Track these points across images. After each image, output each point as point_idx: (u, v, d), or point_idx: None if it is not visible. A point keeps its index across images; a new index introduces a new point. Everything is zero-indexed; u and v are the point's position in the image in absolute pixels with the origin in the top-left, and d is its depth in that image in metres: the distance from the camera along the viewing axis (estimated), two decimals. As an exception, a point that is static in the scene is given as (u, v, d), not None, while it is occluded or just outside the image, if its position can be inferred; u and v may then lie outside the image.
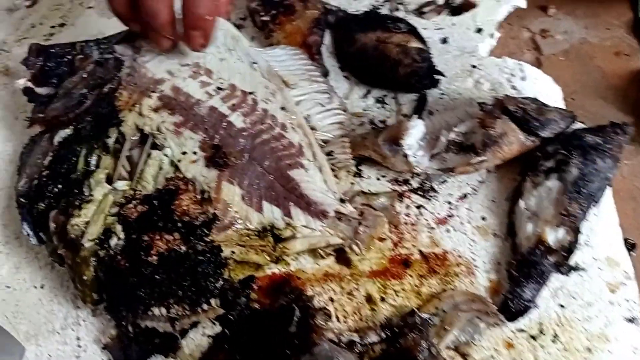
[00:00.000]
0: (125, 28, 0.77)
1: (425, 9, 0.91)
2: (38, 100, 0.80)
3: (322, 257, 0.74)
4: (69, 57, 0.82)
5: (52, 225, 0.71)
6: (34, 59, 0.81)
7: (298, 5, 0.90)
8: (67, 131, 0.76)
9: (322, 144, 0.77)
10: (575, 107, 0.85)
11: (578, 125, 0.77)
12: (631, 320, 0.67)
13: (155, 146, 0.73)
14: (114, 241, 0.69)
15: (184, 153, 0.73)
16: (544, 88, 0.83)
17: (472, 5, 0.90)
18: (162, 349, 0.70)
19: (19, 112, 0.89)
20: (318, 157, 0.75)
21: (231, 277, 0.72)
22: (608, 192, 0.73)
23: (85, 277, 0.68)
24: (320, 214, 0.72)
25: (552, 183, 0.71)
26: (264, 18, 0.90)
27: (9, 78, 0.92)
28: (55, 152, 0.75)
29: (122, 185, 0.72)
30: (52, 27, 1.00)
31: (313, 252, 0.74)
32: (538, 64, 0.91)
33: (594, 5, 0.98)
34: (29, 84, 0.80)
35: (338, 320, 0.70)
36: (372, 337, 0.68)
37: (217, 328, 0.71)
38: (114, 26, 0.86)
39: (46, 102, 0.79)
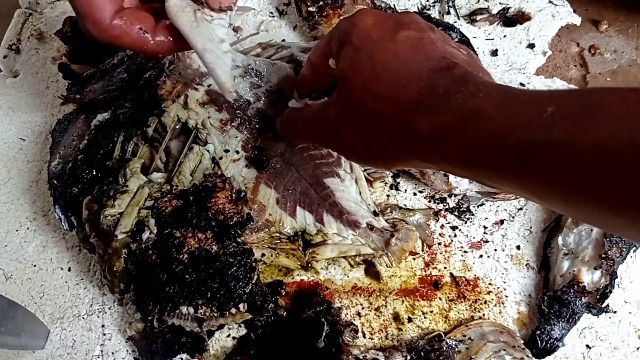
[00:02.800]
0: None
1: (478, 17, 0.87)
2: (74, 78, 0.77)
3: (352, 266, 0.74)
4: (109, 33, 0.79)
5: (85, 212, 0.70)
6: (70, 33, 0.78)
7: (347, -1, 0.86)
8: (105, 115, 0.74)
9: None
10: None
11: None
12: (655, 368, 0.68)
13: (196, 140, 0.72)
14: (146, 235, 0.68)
15: (227, 151, 0.71)
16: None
17: (527, 18, 0.87)
18: (188, 348, 0.70)
19: (50, 81, 0.87)
20: (355, 169, 0.74)
21: (260, 281, 0.71)
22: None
23: (115, 268, 0.68)
24: (353, 224, 0.71)
25: (594, 222, 0.70)
26: (311, 8, 0.86)
27: (41, 43, 0.89)
28: (92, 135, 0.73)
29: (157, 177, 0.71)
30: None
31: (342, 262, 0.74)
32: (584, 81, 0.89)
33: (647, 25, 0.95)
34: (65, 60, 0.78)
35: (364, 336, 0.71)
36: (397, 358, 0.68)
37: (243, 331, 0.71)
38: None
39: (82, 80, 0.77)
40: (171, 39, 0.57)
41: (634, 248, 0.69)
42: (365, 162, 0.66)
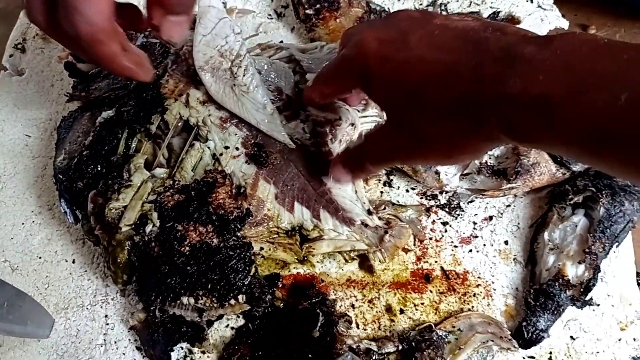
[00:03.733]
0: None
1: (470, 20, 0.90)
2: (80, 76, 0.80)
3: (346, 261, 0.77)
4: (113, 34, 0.82)
5: (90, 206, 0.73)
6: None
7: (343, 2, 0.89)
8: (110, 112, 0.77)
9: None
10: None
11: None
12: (637, 359, 0.70)
13: (197, 137, 0.75)
14: (149, 228, 0.71)
15: (227, 147, 0.74)
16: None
17: (517, 22, 0.90)
18: (189, 337, 0.72)
19: (55, 79, 0.89)
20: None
21: (258, 273, 0.74)
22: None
23: (119, 260, 0.70)
24: (348, 221, 0.74)
25: (578, 218, 0.73)
26: (308, 11, 0.89)
27: (46, 42, 0.91)
28: (97, 132, 0.76)
29: (160, 172, 0.73)
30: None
31: (338, 256, 0.77)
32: (572, 85, 0.92)
33: (637, 30, 0.98)
34: (71, 59, 0.80)
35: (357, 327, 0.74)
36: (389, 348, 0.71)
37: (241, 321, 0.74)
38: None
39: (87, 79, 0.79)
40: (135, 67, 0.60)
41: (617, 243, 0.72)
42: (444, 163, 0.69)
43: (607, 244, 0.71)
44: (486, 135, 0.48)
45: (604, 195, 0.72)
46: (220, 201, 0.72)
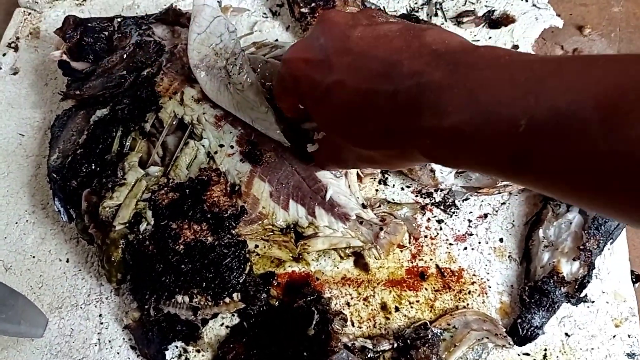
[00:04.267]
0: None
1: (464, 19, 0.91)
2: (74, 75, 0.80)
3: (341, 258, 0.77)
4: (106, 33, 0.81)
5: (84, 204, 0.73)
6: (71, 31, 0.80)
7: (338, 1, 0.89)
8: (104, 111, 0.76)
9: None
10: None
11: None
12: (631, 355, 0.71)
13: (192, 135, 0.74)
14: (143, 226, 0.70)
15: (221, 146, 0.74)
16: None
17: (511, 20, 0.90)
18: (183, 336, 0.72)
19: (49, 78, 0.89)
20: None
21: (253, 271, 0.74)
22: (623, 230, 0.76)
23: (113, 258, 0.70)
24: (343, 217, 0.74)
25: (573, 216, 0.73)
26: (303, 10, 0.89)
27: (40, 41, 0.91)
28: (91, 130, 0.76)
29: (155, 170, 0.73)
30: (86, -9, 0.99)
31: (333, 254, 0.77)
32: (566, 83, 0.92)
33: (630, 30, 0.98)
34: (65, 57, 0.80)
35: (353, 325, 0.73)
36: (384, 345, 0.71)
37: (236, 320, 0.74)
38: (150, -3, 0.86)
39: (82, 77, 0.79)
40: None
41: (611, 240, 0.73)
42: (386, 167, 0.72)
43: (601, 241, 0.71)
44: (413, 159, 0.50)
45: (599, 193, 0.72)
46: (214, 199, 0.72)
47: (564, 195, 0.39)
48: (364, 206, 0.76)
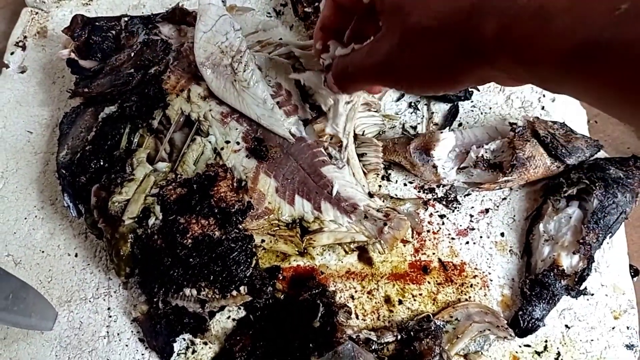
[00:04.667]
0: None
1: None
2: (82, 72, 0.81)
3: (346, 253, 0.78)
4: (114, 32, 0.83)
5: (94, 199, 0.74)
6: (79, 30, 0.82)
7: None
8: (112, 108, 0.78)
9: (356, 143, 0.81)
10: (597, 130, 0.89)
11: (601, 153, 0.80)
12: (630, 347, 0.72)
13: (199, 132, 0.76)
14: (152, 221, 0.72)
15: (227, 142, 0.75)
16: (571, 111, 0.86)
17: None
18: (191, 329, 0.74)
19: (57, 76, 0.90)
20: (350, 153, 0.79)
21: (259, 265, 0.75)
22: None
23: (122, 252, 0.71)
24: (350, 208, 0.75)
25: (572, 210, 0.75)
26: (307, 9, 0.90)
27: (47, 40, 0.92)
28: (99, 127, 0.77)
29: (163, 166, 0.75)
30: (92, -9, 1.00)
31: (337, 248, 0.78)
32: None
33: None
34: (73, 56, 0.81)
35: (357, 317, 0.75)
36: (388, 337, 0.72)
37: (242, 313, 0.75)
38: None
39: (90, 75, 0.81)
40: None
41: (610, 234, 0.74)
42: (430, 88, 0.59)
43: (600, 235, 0.73)
44: (480, 58, 0.46)
45: (597, 187, 0.74)
46: (221, 194, 0.73)
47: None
48: (370, 195, 0.77)
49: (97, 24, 0.83)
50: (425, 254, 0.78)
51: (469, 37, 0.45)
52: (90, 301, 0.77)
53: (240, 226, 0.73)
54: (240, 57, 0.76)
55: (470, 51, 0.46)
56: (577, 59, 0.39)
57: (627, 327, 0.73)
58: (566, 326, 0.74)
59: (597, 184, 0.74)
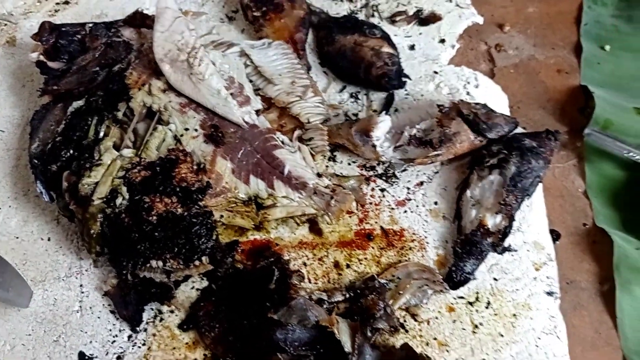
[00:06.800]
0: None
1: (397, 18, 1.04)
2: (50, 73, 0.89)
3: (298, 225, 0.87)
4: (79, 36, 0.91)
5: (65, 184, 0.81)
6: (47, 35, 0.89)
7: (286, 5, 1.01)
8: (80, 102, 0.85)
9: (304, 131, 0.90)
10: (520, 114, 0.99)
11: (520, 130, 0.91)
12: (550, 293, 0.82)
13: (160, 121, 0.84)
14: (119, 201, 0.79)
15: (186, 129, 0.84)
16: (493, 96, 0.98)
17: (438, 18, 1.04)
18: (158, 297, 0.80)
19: (26, 80, 0.97)
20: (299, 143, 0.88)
21: (219, 241, 0.83)
22: (539, 188, 0.88)
23: (92, 231, 0.78)
24: (301, 186, 0.84)
25: (494, 177, 0.85)
26: (255, 13, 1.00)
27: (16, 48, 1.00)
28: (68, 120, 0.84)
29: (128, 152, 0.82)
30: (57, 3, 1.08)
31: (290, 222, 0.86)
32: (491, 74, 1.05)
33: (544, 27, 1.12)
34: (42, 58, 0.89)
35: (310, 281, 0.83)
36: (338, 297, 0.81)
37: (205, 283, 0.83)
38: (115, 7, 0.96)
39: (58, 75, 0.88)
40: None
41: (527, 196, 0.84)
42: None
43: (519, 196, 0.83)
44: None
45: (514, 156, 0.84)
46: (182, 175, 0.81)
47: None
48: (319, 175, 0.86)
49: (63, 29, 0.91)
50: (368, 223, 0.87)
51: None
52: (63, 280, 0.83)
53: (201, 203, 0.80)
54: (196, 53, 0.85)
55: None
56: None
57: (547, 277, 0.83)
58: (494, 279, 0.83)
59: (513, 153, 0.84)
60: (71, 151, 0.83)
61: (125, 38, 0.90)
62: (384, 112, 0.95)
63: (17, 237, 0.86)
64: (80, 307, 0.81)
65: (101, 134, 0.83)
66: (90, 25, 0.92)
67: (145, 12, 0.93)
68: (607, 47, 1.07)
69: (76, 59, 0.89)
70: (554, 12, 1.14)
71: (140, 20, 0.91)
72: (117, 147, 0.83)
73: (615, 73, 1.05)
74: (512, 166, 0.84)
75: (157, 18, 0.85)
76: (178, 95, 0.85)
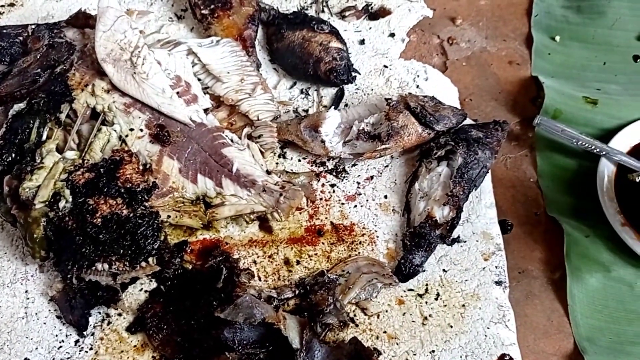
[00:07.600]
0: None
1: (347, 13, 1.04)
2: (-10, 76, 0.87)
3: (247, 223, 0.86)
4: (21, 38, 0.90)
5: (6, 188, 0.79)
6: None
7: (235, 2, 1.00)
8: (21, 105, 0.84)
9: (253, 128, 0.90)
10: (472, 107, 1.00)
11: (469, 122, 0.92)
12: (498, 283, 0.82)
13: (104, 122, 0.83)
14: (62, 204, 0.78)
15: (132, 129, 0.83)
16: (443, 88, 0.98)
17: (388, 12, 1.04)
18: (105, 300, 0.79)
19: (-31, 84, 0.95)
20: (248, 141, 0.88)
21: (167, 241, 0.82)
22: (487, 178, 0.88)
23: (35, 235, 0.77)
24: (250, 184, 0.83)
25: (442, 169, 0.85)
26: (204, 11, 0.99)
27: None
28: (9, 124, 0.83)
29: (71, 154, 0.81)
30: (2, 6, 1.06)
31: (240, 220, 0.86)
32: (444, 67, 1.05)
33: (495, 19, 1.13)
34: (-19, 62, 0.87)
35: (260, 279, 0.82)
36: (288, 294, 0.80)
37: (154, 285, 0.82)
38: (62, 8, 0.94)
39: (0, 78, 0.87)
40: None
41: (474, 187, 0.85)
42: None
43: (466, 187, 0.83)
44: None
45: (461, 147, 0.84)
46: (127, 176, 0.80)
47: None
48: (268, 172, 0.86)
49: (4, 31, 0.90)
50: (319, 218, 0.87)
51: None
52: (8, 286, 0.81)
53: (147, 204, 0.80)
54: (139, 52, 0.84)
55: None
56: None
57: (496, 267, 0.83)
58: (444, 270, 0.83)
59: (460, 144, 0.84)
60: (13, 155, 0.81)
61: (68, 39, 0.89)
62: (334, 107, 0.94)
63: (-40, 244, 0.84)
64: (26, 313, 0.80)
65: (44, 137, 0.82)
66: (33, 26, 0.91)
67: (89, 12, 0.92)
68: (557, 38, 1.08)
69: (17, 61, 0.87)
70: (505, 4, 1.14)
71: (84, 20, 0.90)
72: (60, 149, 0.82)
73: (565, 63, 1.06)
74: (459, 157, 0.84)
75: (99, 17, 0.84)
76: (122, 96, 0.84)
